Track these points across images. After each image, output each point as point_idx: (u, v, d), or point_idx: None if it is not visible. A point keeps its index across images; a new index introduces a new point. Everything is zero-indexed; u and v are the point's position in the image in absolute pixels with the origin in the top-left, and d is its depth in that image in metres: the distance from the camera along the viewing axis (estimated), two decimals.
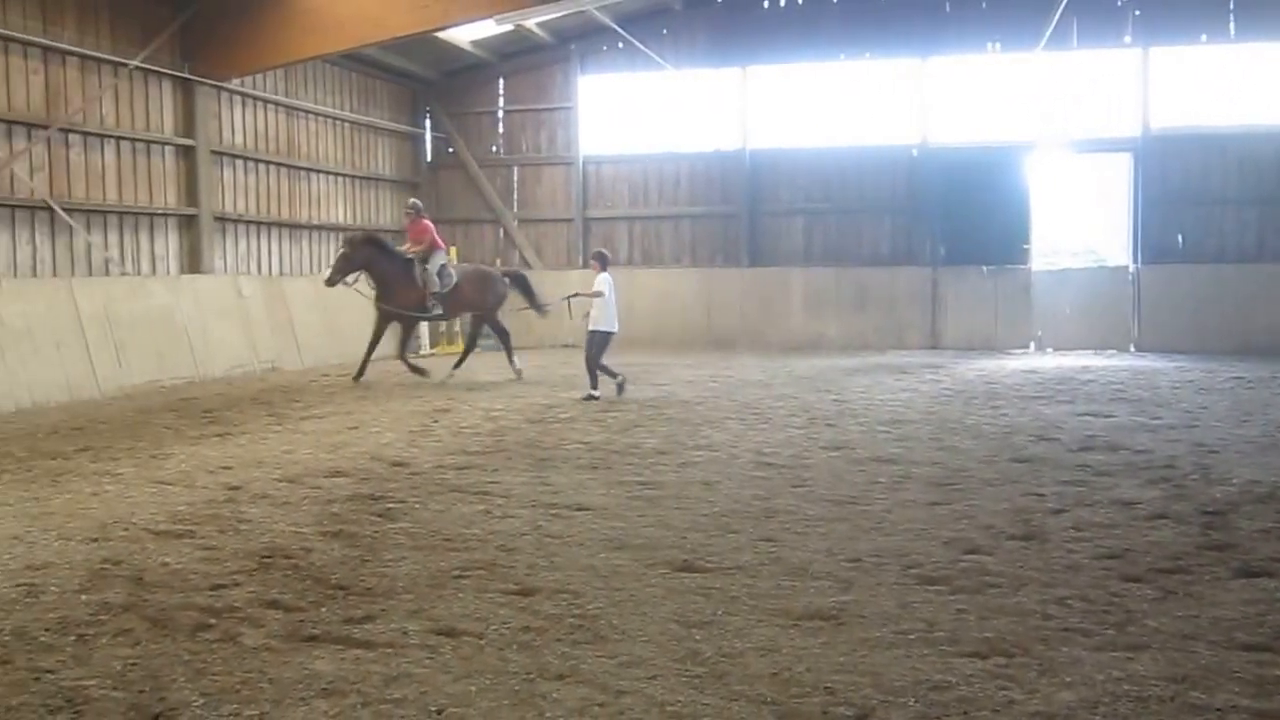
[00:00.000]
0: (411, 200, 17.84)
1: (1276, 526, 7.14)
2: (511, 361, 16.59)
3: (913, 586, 5.95)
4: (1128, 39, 21.23)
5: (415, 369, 15.96)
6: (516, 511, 7.76)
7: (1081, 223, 24.21)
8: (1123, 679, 4.54)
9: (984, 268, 22.03)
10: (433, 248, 16.35)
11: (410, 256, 16.21)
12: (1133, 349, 21.07)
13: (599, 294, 14.12)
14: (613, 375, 14.30)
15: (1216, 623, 5.25)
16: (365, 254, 15.71)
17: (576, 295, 14.82)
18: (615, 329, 14.42)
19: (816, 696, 4.42)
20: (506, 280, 17.13)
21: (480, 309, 16.95)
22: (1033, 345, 21.71)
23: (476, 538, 6.99)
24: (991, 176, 21.86)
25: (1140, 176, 21.47)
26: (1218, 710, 4.24)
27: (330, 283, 15.68)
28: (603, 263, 14.46)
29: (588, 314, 14.24)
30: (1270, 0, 20.41)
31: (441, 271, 16.26)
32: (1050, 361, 19.32)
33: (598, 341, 14.14)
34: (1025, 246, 21.91)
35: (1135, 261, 21.56)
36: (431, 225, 16.82)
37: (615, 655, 4.87)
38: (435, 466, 9.48)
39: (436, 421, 12.15)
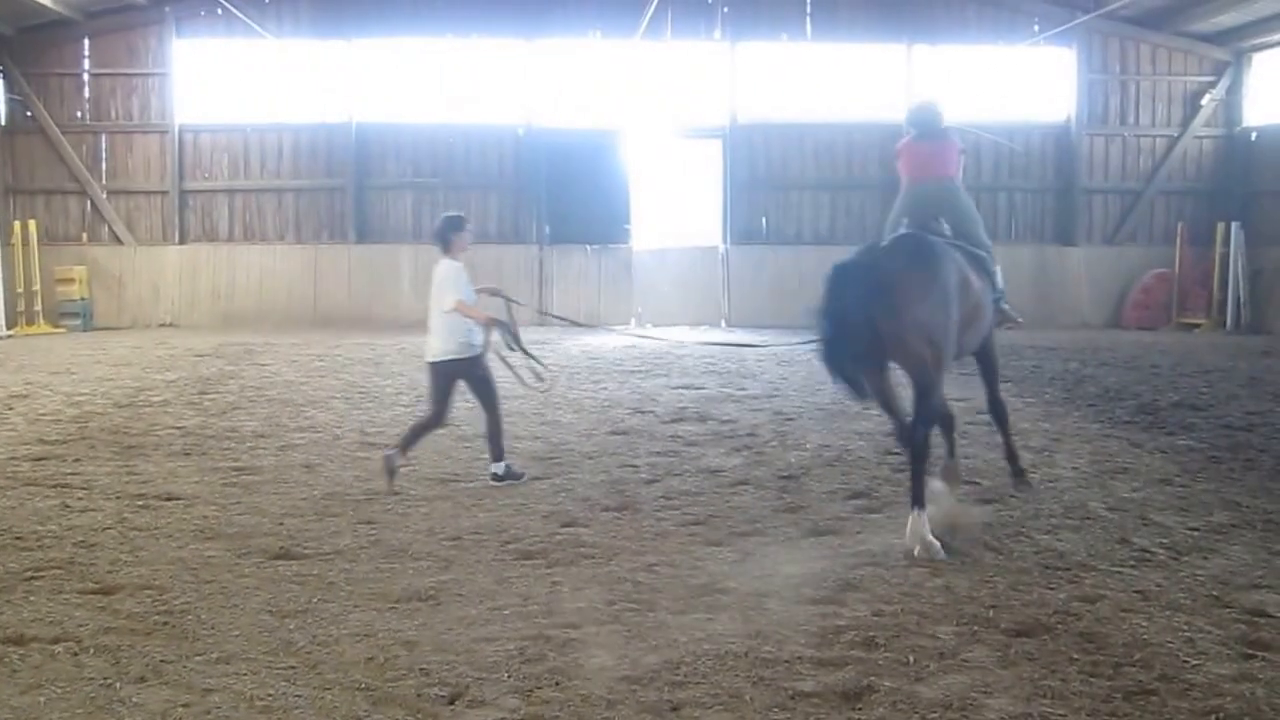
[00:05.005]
0: None
1: (841, 488, 7.92)
2: None
3: (510, 562, 6.14)
4: (717, 34, 22.56)
5: None
6: (99, 504, 7.30)
7: (679, 205, 25.47)
8: (703, 639, 4.91)
9: (588, 247, 22.77)
10: None
11: None
12: (724, 324, 22.44)
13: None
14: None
15: (787, 580, 5.77)
16: None
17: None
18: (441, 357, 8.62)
19: (411, 679, 4.48)
20: None
21: None
22: (634, 321, 22.62)
23: (52, 534, 6.52)
24: (594, 159, 22.54)
25: (729, 163, 22.94)
26: (785, 662, 4.68)
27: None
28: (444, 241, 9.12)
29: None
30: (841, 5, 22.50)
31: None
32: (649, 336, 20.28)
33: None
34: (626, 226, 22.85)
35: (726, 242, 23.04)
36: None
37: (203, 652, 4.72)
38: (7, 459, 8.69)
39: (11, 409, 11.10)
